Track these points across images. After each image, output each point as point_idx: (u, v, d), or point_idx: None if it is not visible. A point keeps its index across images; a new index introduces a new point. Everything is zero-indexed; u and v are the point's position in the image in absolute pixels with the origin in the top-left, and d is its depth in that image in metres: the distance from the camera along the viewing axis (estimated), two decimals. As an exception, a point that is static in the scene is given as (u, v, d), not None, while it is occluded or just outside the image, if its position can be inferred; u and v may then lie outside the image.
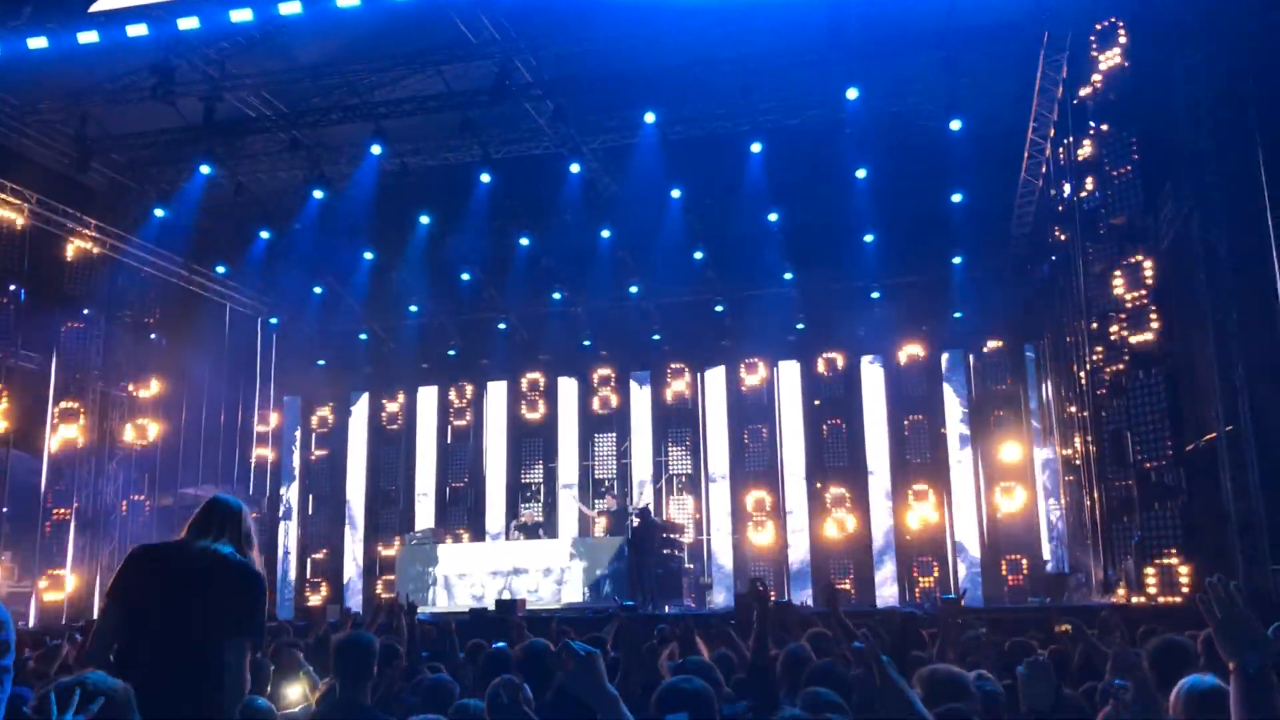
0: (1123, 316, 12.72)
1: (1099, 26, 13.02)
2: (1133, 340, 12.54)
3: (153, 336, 18.90)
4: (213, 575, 4.01)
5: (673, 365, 20.89)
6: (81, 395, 17.41)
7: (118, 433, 18.07)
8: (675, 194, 17.28)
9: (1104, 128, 13.21)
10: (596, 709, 2.82)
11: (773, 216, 17.77)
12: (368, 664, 4.45)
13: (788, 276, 19.38)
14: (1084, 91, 13.55)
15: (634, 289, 20.35)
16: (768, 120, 15.64)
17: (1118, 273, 12.76)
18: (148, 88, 14.81)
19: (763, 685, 5.11)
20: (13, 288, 16.33)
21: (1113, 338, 13.05)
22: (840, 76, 14.32)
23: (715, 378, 20.96)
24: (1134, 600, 11.91)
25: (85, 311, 17.70)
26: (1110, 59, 12.94)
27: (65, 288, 17.38)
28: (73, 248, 17.38)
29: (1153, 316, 12.35)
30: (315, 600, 20.35)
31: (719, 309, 20.56)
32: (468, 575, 16.76)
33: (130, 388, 18.38)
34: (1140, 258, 12.54)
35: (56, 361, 17.18)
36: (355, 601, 20.56)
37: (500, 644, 6.22)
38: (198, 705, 3.76)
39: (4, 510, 15.32)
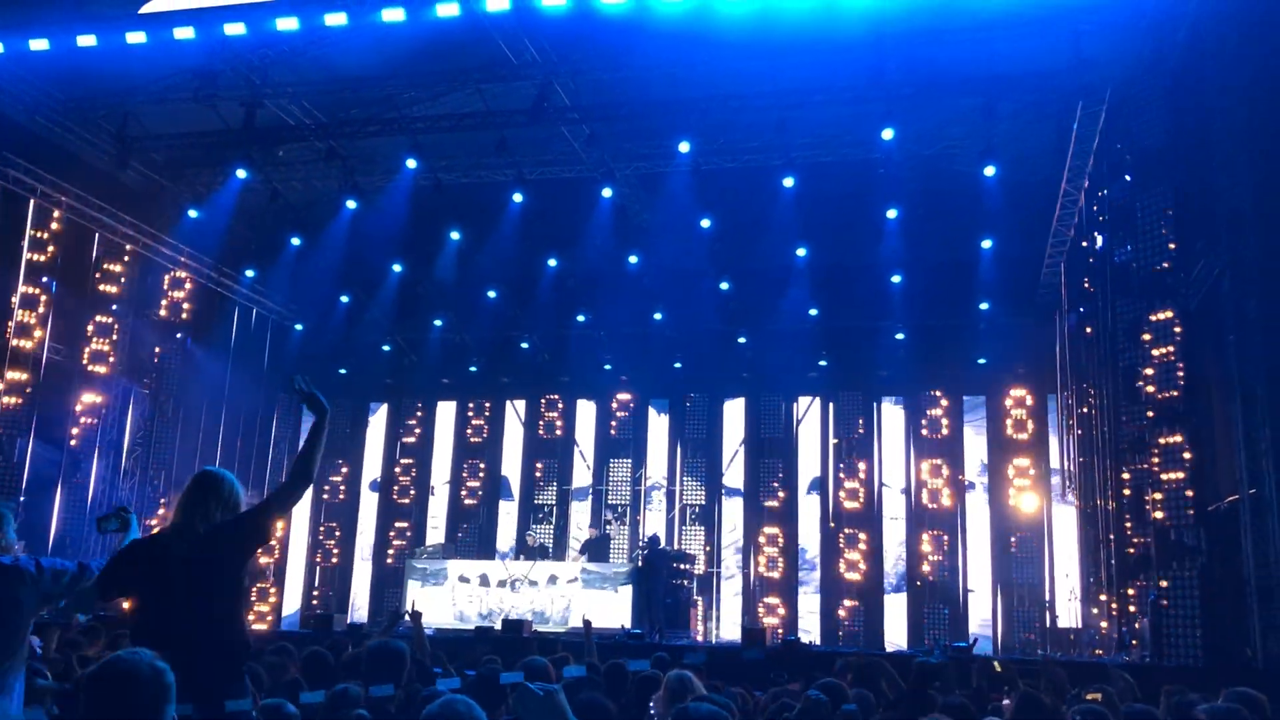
0: (1149, 372, 12.63)
1: (1139, 80, 13.01)
2: (1158, 397, 12.46)
3: (179, 335, 19.04)
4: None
5: (692, 394, 20.85)
6: (105, 389, 17.52)
7: (138, 429, 18.18)
8: (705, 224, 17.30)
9: (1140, 182, 13.16)
10: None
11: (800, 252, 17.79)
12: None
13: (812, 312, 19.33)
14: (1121, 144, 13.53)
15: (658, 316, 20.34)
16: (801, 155, 15.65)
17: (1145, 328, 12.69)
18: (190, 90, 15.00)
19: None
20: (45, 279, 16.49)
21: (1137, 393, 12.96)
22: (877, 117, 14.28)
23: (734, 409, 20.92)
24: (1147, 659, 11.75)
25: (114, 307, 17.86)
26: (1150, 113, 12.92)
27: (95, 283, 17.55)
28: (105, 243, 17.56)
29: (1179, 374, 12.26)
30: (321, 611, 20.30)
31: (741, 340, 20.51)
32: (475, 593, 16.73)
33: (153, 385, 18.50)
34: (1169, 315, 12.47)
35: (83, 355, 17.32)
36: (362, 613, 20.54)
37: (510, 675, 6.13)
38: None
39: (22, 500, 15.42)
